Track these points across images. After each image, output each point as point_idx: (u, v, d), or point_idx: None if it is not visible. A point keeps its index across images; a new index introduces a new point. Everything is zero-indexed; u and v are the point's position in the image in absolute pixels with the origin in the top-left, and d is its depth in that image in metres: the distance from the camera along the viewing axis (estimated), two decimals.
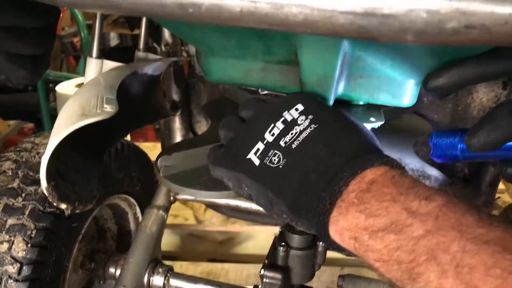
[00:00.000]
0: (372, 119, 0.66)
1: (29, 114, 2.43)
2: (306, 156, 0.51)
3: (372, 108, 0.69)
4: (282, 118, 0.54)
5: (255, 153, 0.54)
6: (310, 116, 0.54)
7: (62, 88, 1.91)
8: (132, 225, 1.04)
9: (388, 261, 0.43)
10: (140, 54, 0.87)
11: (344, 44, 0.57)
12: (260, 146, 0.54)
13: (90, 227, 0.99)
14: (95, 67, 0.74)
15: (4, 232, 0.68)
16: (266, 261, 0.79)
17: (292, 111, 0.55)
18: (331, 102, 0.63)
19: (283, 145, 0.53)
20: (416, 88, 0.64)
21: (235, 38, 0.63)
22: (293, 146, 0.52)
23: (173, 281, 0.88)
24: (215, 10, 0.31)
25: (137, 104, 0.78)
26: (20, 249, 0.67)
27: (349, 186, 0.47)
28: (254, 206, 0.98)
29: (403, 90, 0.64)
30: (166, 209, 0.99)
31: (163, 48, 0.97)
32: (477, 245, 0.38)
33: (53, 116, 2.24)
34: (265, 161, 0.53)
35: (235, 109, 0.64)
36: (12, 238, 0.68)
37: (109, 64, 0.75)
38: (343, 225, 0.46)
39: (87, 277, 0.98)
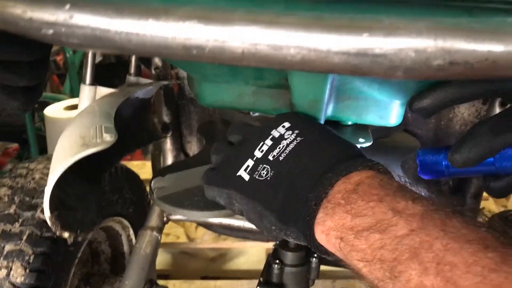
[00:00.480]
0: (361, 139, 0.69)
1: (14, 135, 2.42)
2: (293, 166, 0.53)
3: (360, 128, 0.72)
4: (271, 136, 0.57)
5: (245, 170, 0.56)
6: (296, 131, 0.56)
7: (51, 111, 1.90)
8: (125, 247, 1.04)
9: (372, 261, 0.43)
10: (131, 78, 0.88)
11: None
12: (250, 162, 0.56)
13: (84, 251, 0.99)
14: (89, 94, 0.76)
15: (2, 258, 0.68)
16: (261, 278, 0.81)
17: (280, 128, 0.57)
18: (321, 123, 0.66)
19: (271, 159, 0.55)
20: (402, 108, 0.67)
21: (228, 66, 0.65)
22: (281, 158, 0.54)
23: None
24: (218, 51, 0.34)
25: (130, 128, 0.80)
26: (18, 274, 0.68)
27: (334, 187, 0.48)
28: (246, 224, 0.99)
29: (390, 111, 0.67)
30: (160, 230, 1.00)
31: (153, 71, 0.99)
32: (459, 244, 0.38)
33: (38, 137, 2.23)
34: (254, 175, 0.55)
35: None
36: (10, 264, 0.68)
37: (103, 90, 0.76)
38: (330, 225, 0.47)
39: None
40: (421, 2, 0.42)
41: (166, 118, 1.02)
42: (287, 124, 0.58)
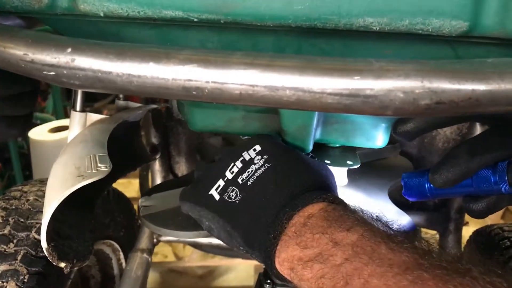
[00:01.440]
0: (349, 162, 0.71)
1: None
2: (258, 193, 0.56)
3: (348, 150, 0.74)
4: (241, 158, 0.60)
5: (216, 189, 0.59)
6: (265, 156, 0.59)
7: (35, 134, 1.89)
8: (116, 271, 1.04)
9: None
10: (120, 102, 0.89)
11: None
12: (221, 183, 0.59)
13: (74, 275, 0.99)
14: (80, 121, 0.76)
15: None
16: None
17: (251, 151, 0.60)
18: (310, 147, 0.68)
19: (240, 182, 0.58)
20: (388, 131, 0.70)
21: None
22: (248, 183, 0.57)
23: None
24: (217, 93, 0.35)
25: (121, 153, 0.80)
26: None
27: (290, 221, 0.52)
28: None
29: (376, 133, 0.69)
30: (150, 252, 1.00)
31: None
32: (383, 268, 0.42)
33: (21, 155, 2.21)
34: (224, 196, 0.58)
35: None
36: (5, 283, 0.68)
37: (93, 117, 0.77)
38: (284, 257, 0.51)
39: None
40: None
41: (154, 140, 1.03)
42: (258, 148, 0.60)
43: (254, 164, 0.58)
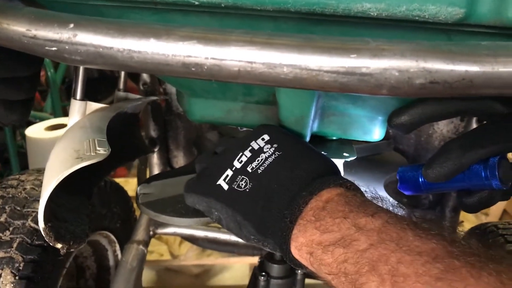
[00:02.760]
0: (345, 154, 0.72)
1: None
2: (271, 180, 0.55)
3: (345, 143, 0.74)
4: (250, 147, 0.59)
5: (224, 179, 0.58)
6: (275, 145, 0.59)
7: (32, 131, 1.89)
8: (111, 263, 1.04)
9: (337, 274, 0.46)
10: (120, 93, 0.90)
11: None
12: (229, 172, 0.59)
13: (70, 265, 0.99)
14: (80, 109, 0.77)
15: None
16: None
17: (259, 140, 0.60)
18: (307, 138, 0.68)
19: (250, 170, 0.57)
20: (384, 124, 0.70)
21: (218, 82, 0.67)
22: (259, 171, 0.56)
23: None
24: (216, 69, 0.36)
25: (119, 142, 0.81)
26: (8, 281, 0.67)
27: (307, 205, 0.51)
28: (232, 237, 1.01)
29: (373, 127, 0.70)
30: (146, 244, 1.01)
31: (141, 87, 1.01)
32: (411, 256, 0.41)
33: (20, 154, 2.21)
34: (233, 185, 0.57)
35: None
36: (0, 271, 0.68)
37: (93, 106, 0.78)
38: (302, 241, 0.50)
39: None
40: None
41: (153, 133, 1.04)
42: (266, 137, 0.60)
43: (264, 152, 0.58)
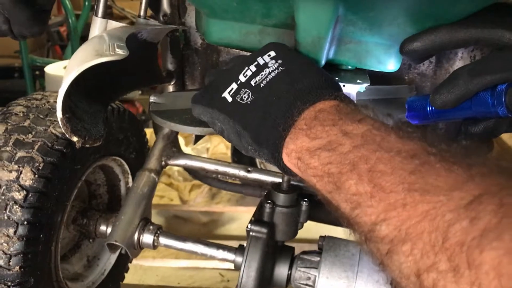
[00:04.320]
0: (359, 80, 0.72)
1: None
2: (271, 93, 0.57)
3: (359, 72, 0.75)
4: (256, 62, 0.61)
5: (229, 92, 0.61)
6: (279, 61, 0.60)
7: (51, 69, 1.93)
8: (123, 193, 1.07)
9: (322, 176, 0.49)
10: (140, 20, 0.91)
11: (338, 7, 0.62)
12: (234, 86, 0.61)
13: (82, 191, 1.03)
14: (100, 26, 0.78)
15: (13, 163, 0.71)
16: (252, 218, 0.84)
17: (265, 56, 0.61)
18: (322, 63, 0.69)
19: (253, 84, 0.59)
20: (399, 56, 0.70)
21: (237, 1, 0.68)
22: (262, 85, 0.58)
23: (162, 239, 0.90)
24: None
25: (137, 64, 0.83)
26: (28, 178, 0.70)
27: (301, 115, 0.53)
28: (241, 173, 1.02)
29: (388, 56, 0.70)
30: (158, 173, 1.02)
31: (161, 18, 1.01)
32: (390, 155, 0.43)
33: None
34: (236, 98, 0.59)
35: None
36: (20, 168, 0.71)
37: (114, 24, 0.79)
38: (292, 148, 0.53)
39: (77, 235, 1.01)
40: None
41: (170, 66, 1.05)
42: (272, 53, 0.61)
43: (268, 67, 0.60)
